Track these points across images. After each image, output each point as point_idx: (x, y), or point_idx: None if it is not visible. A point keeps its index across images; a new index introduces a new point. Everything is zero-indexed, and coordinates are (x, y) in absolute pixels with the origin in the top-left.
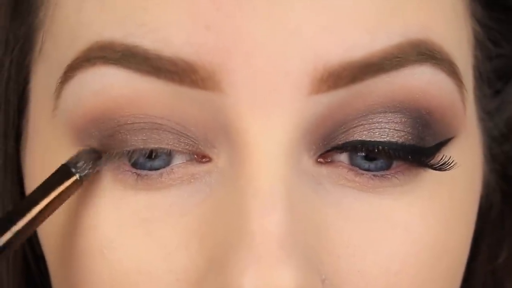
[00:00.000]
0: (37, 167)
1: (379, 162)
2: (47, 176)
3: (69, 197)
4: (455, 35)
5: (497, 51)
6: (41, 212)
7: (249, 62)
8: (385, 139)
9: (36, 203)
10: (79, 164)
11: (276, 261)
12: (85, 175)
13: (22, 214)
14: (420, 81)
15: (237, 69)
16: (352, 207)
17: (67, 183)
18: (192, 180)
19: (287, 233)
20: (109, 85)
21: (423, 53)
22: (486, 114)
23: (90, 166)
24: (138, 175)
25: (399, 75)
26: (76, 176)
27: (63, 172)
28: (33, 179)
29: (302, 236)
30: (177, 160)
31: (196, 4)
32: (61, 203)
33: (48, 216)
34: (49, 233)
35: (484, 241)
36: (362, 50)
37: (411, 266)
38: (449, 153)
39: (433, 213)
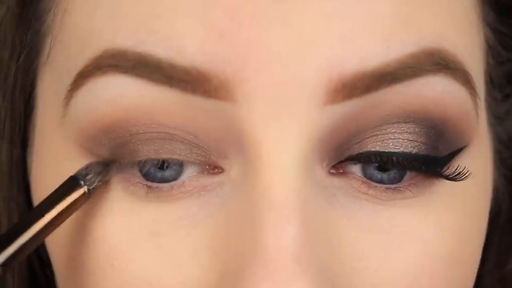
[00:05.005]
0: (44, 174)
1: (392, 173)
2: (54, 184)
3: (77, 209)
4: (468, 42)
5: (508, 56)
6: (47, 224)
7: (263, 72)
8: (399, 150)
9: (42, 215)
10: (89, 177)
11: (291, 275)
12: (93, 188)
13: (28, 226)
14: (434, 91)
15: (251, 79)
16: (365, 219)
17: (75, 196)
18: (203, 192)
19: (301, 247)
20: (120, 94)
21: (438, 62)
22: (496, 119)
23: (100, 179)
24: (149, 187)
25: (413, 85)
26: (85, 189)
27: (71, 184)
28: (39, 186)
29: (316, 249)
30: (189, 171)
31: (209, 12)
32: (68, 216)
33: (55, 228)
34: (57, 244)
35: (492, 247)
36: (377, 60)
37: (424, 278)
38: (462, 162)
39: (447, 224)
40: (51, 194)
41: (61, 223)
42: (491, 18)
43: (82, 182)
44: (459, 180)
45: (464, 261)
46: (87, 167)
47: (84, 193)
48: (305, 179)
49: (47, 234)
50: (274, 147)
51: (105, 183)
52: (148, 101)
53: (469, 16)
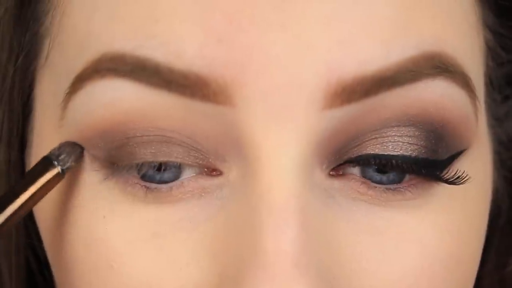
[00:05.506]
0: None
1: (391, 175)
2: None
3: (51, 189)
4: (468, 45)
5: (508, 57)
6: (21, 206)
7: (262, 76)
8: (398, 153)
9: (17, 196)
10: (62, 157)
11: (291, 279)
12: (67, 167)
13: (4, 207)
14: (434, 94)
15: (250, 83)
16: (364, 221)
17: (49, 176)
18: (203, 194)
19: (300, 250)
20: (119, 98)
21: (437, 66)
22: (496, 120)
23: (73, 159)
24: (148, 188)
25: (413, 89)
26: (58, 169)
27: (45, 164)
28: None
29: (315, 252)
30: (187, 173)
31: (208, 16)
32: (43, 196)
33: (30, 209)
34: (56, 246)
35: (492, 248)
36: (377, 64)
37: (424, 280)
38: (461, 165)
39: (446, 227)
40: (25, 175)
41: (35, 204)
42: (490, 20)
43: (56, 162)
44: (459, 184)
45: (464, 263)
46: (59, 147)
47: (58, 173)
48: (304, 182)
49: (22, 215)
50: (273, 150)
51: (78, 163)
52: (147, 104)
53: (468, 18)
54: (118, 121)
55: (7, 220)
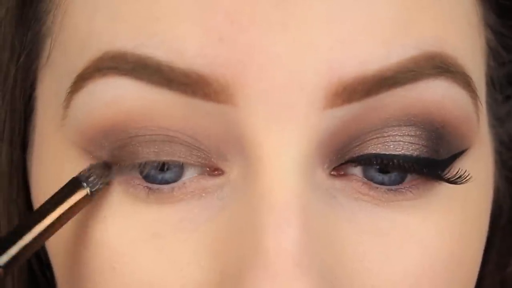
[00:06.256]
0: (44, 175)
1: (393, 175)
2: (54, 185)
3: (78, 211)
4: (469, 45)
5: (509, 57)
6: (49, 226)
7: (264, 76)
8: (400, 152)
9: (44, 216)
10: (91, 179)
11: (292, 279)
12: (96, 189)
13: (30, 228)
14: (435, 94)
15: (251, 83)
16: (366, 221)
17: (78, 197)
18: (203, 194)
19: (302, 250)
20: (120, 96)
21: (438, 66)
22: (497, 120)
23: (101, 181)
24: (150, 188)
25: (414, 89)
26: (87, 191)
27: (74, 186)
28: (40, 188)
29: (316, 252)
30: (189, 173)
31: (209, 15)
32: (70, 218)
33: (57, 230)
34: (58, 246)
35: (493, 248)
36: (377, 64)
37: (425, 281)
38: (463, 165)
39: (448, 227)
40: (54, 196)
41: (62, 225)
42: (492, 20)
43: (85, 184)
44: (460, 184)
45: (465, 263)
46: (89, 169)
47: (87, 194)
48: (305, 182)
49: (49, 236)
50: (274, 150)
51: (107, 185)
52: (148, 103)
53: (470, 18)
54: (120, 120)
55: (35, 240)
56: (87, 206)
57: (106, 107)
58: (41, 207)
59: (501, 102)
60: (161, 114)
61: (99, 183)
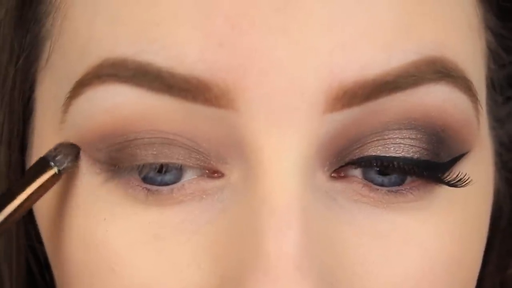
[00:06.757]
0: None
1: (393, 177)
2: None
3: (47, 190)
4: (470, 49)
5: (509, 59)
6: (19, 206)
7: (264, 80)
8: (400, 155)
9: (14, 197)
10: (58, 158)
11: (293, 282)
12: (63, 168)
13: (1, 207)
14: (436, 99)
15: (252, 87)
16: (366, 223)
17: (46, 177)
18: (204, 196)
19: (303, 253)
20: (120, 103)
21: (439, 71)
22: (497, 122)
23: (69, 160)
24: (149, 190)
25: (414, 94)
26: (55, 170)
27: (41, 165)
28: None
29: (317, 255)
30: (188, 175)
31: (209, 20)
32: (40, 197)
33: (26, 210)
34: (57, 248)
35: (493, 250)
36: (378, 68)
37: (425, 283)
38: (463, 168)
39: (448, 229)
40: (23, 176)
41: (32, 205)
42: (492, 22)
43: (52, 163)
44: (460, 187)
45: (465, 266)
46: (56, 148)
47: (55, 174)
48: (306, 185)
49: (20, 216)
50: (275, 153)
51: (76, 163)
52: (148, 109)
53: (470, 21)
54: (119, 125)
55: (5, 220)
56: (87, 208)
57: (106, 114)
58: (10, 187)
59: (501, 104)
60: (161, 119)
61: (66, 161)
